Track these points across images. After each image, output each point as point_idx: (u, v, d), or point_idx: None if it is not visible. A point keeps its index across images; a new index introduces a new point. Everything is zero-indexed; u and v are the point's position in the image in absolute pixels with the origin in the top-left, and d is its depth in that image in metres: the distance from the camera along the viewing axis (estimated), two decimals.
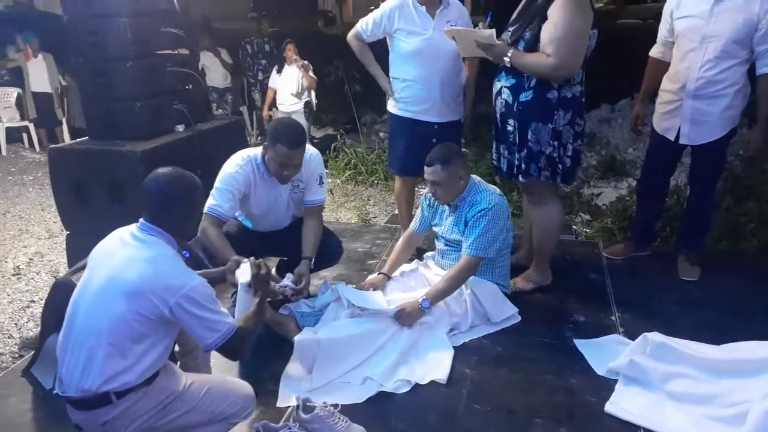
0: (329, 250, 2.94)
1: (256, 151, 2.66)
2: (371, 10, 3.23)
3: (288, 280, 2.56)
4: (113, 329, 1.68)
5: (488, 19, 2.77)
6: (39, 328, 2.85)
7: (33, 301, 3.65)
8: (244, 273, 2.04)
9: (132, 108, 3.20)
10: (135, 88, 3.21)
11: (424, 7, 3.08)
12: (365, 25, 3.20)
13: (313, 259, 2.73)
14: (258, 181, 2.66)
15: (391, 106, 3.31)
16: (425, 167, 2.66)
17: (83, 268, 2.29)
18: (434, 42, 3.04)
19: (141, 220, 1.82)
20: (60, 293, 2.32)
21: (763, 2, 2.67)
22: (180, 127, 3.42)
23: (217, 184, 2.61)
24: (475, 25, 2.95)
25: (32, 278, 3.99)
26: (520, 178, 2.80)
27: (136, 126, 3.22)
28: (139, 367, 1.71)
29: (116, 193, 3.10)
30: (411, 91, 3.16)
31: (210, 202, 2.57)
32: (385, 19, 3.13)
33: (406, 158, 3.26)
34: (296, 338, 2.39)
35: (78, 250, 3.13)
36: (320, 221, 2.83)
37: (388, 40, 3.24)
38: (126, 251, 1.76)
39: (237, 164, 2.63)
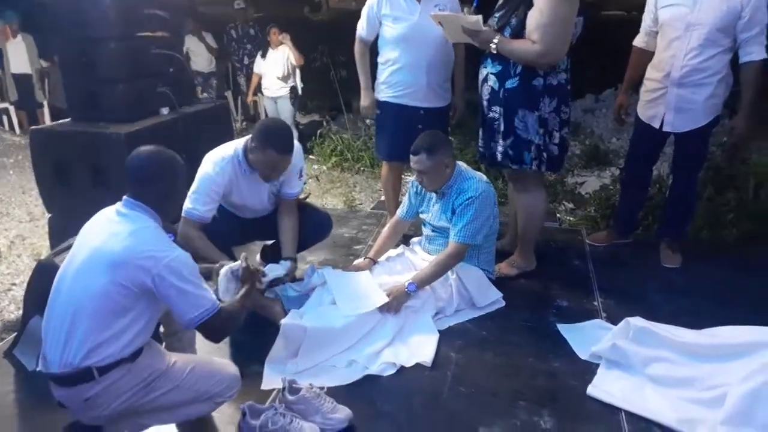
0: (319, 222, 2.96)
1: (237, 147, 2.62)
2: None
3: (282, 268, 2.57)
4: (95, 302, 1.68)
5: (474, 5, 2.76)
6: (20, 311, 2.82)
7: (14, 284, 3.61)
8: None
9: (115, 89, 3.16)
10: (118, 70, 3.17)
11: None
12: (361, 26, 3.22)
13: (304, 238, 2.79)
14: (240, 178, 2.64)
15: (378, 92, 3.30)
16: (411, 156, 2.65)
17: (66, 249, 2.27)
18: (421, 27, 3.03)
19: (125, 197, 1.83)
20: (42, 275, 2.29)
21: None
22: (164, 110, 3.38)
23: (195, 186, 2.56)
24: (462, 11, 2.95)
25: (13, 261, 3.94)
26: (511, 165, 2.80)
27: (119, 108, 3.18)
28: (121, 341, 1.71)
29: (99, 176, 3.07)
30: (397, 75, 3.16)
31: (187, 205, 2.54)
32: (374, 8, 3.14)
33: (392, 144, 3.26)
34: (282, 321, 2.39)
35: (60, 233, 3.10)
36: (296, 216, 2.83)
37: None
38: (110, 227, 1.77)
39: (217, 164, 2.58)
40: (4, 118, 7.58)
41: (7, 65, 7.31)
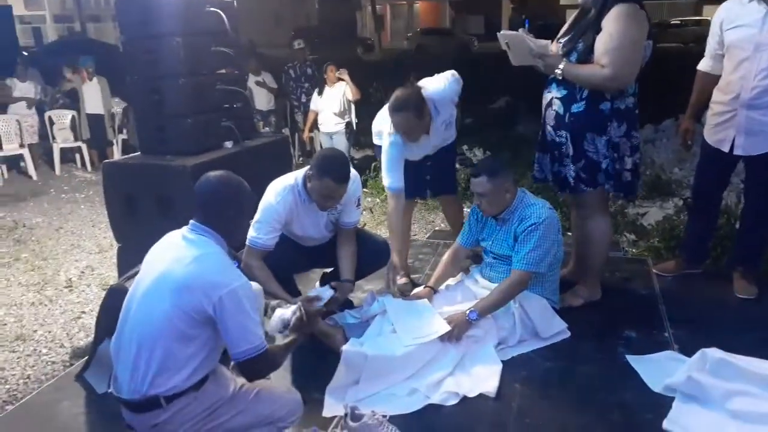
0: (377, 249, 2.97)
1: (298, 177, 2.67)
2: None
3: (328, 289, 2.54)
4: (160, 330, 1.70)
5: (526, 25, 2.74)
6: (89, 338, 2.92)
7: (84, 312, 3.75)
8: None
9: (183, 124, 3.30)
10: (186, 105, 3.31)
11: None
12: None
13: (362, 265, 2.81)
14: (300, 208, 2.69)
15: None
16: (471, 178, 2.65)
17: (135, 275, 2.35)
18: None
19: (191, 221, 1.86)
20: (114, 299, 2.36)
21: None
22: (228, 144, 3.50)
23: (258, 215, 2.62)
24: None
25: (83, 290, 4.10)
26: (581, 188, 2.74)
27: (186, 141, 3.31)
28: (185, 371, 1.72)
29: (166, 207, 3.17)
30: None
31: (251, 234, 2.60)
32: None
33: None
34: (343, 348, 2.38)
35: (128, 263, 3.20)
36: (354, 244, 2.85)
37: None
38: (175, 251, 1.80)
39: (278, 194, 2.64)
40: (77, 156, 8.01)
41: (83, 106, 7.77)
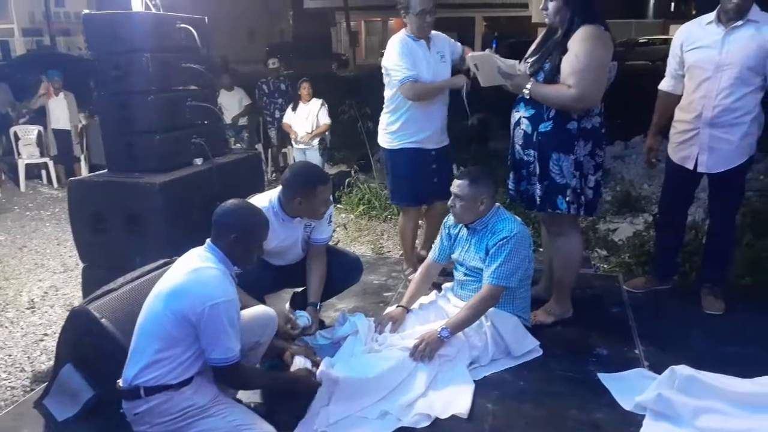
0: (349, 266, 2.97)
1: (272, 197, 2.67)
2: (382, 54, 3.34)
3: (302, 321, 2.62)
4: (152, 326, 1.95)
5: (494, 45, 2.80)
6: (52, 362, 2.82)
7: (46, 335, 3.63)
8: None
9: (152, 140, 3.24)
10: (155, 121, 3.25)
11: (422, 41, 3.21)
12: (407, 69, 3.14)
13: (335, 282, 2.84)
14: (276, 226, 2.66)
15: (387, 143, 3.36)
16: (455, 179, 2.70)
17: (100, 296, 2.31)
18: (434, 73, 3.17)
19: (208, 239, 2.10)
20: (75, 322, 2.30)
21: None
22: (198, 161, 3.44)
23: None
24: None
25: (46, 312, 3.98)
26: (546, 209, 2.77)
27: (155, 158, 3.25)
28: (167, 368, 1.93)
29: (134, 225, 3.11)
30: (415, 122, 3.24)
31: None
32: (408, 54, 3.19)
33: (411, 188, 3.31)
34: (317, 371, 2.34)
35: (94, 282, 3.12)
36: (324, 262, 2.85)
37: (384, 77, 3.31)
38: (186, 261, 2.05)
39: None
40: (43, 173, 7.83)
41: (49, 121, 7.61)
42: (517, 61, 2.66)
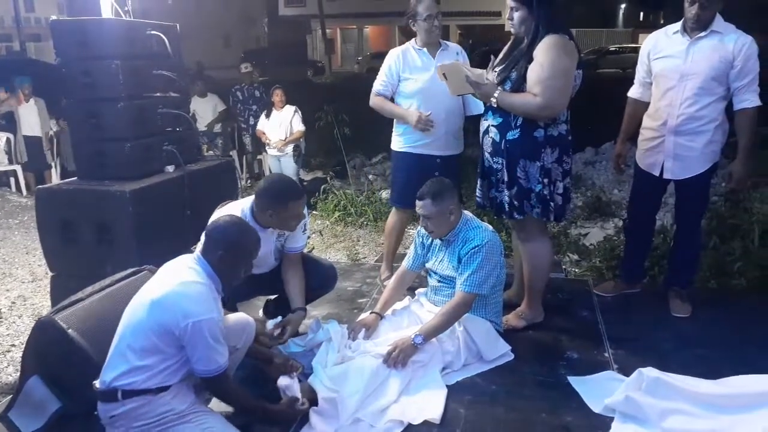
0: (324, 274, 2.97)
1: (244, 208, 2.65)
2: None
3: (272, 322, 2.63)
4: (133, 333, 1.97)
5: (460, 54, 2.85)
6: (19, 373, 2.76)
7: (14, 345, 3.56)
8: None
9: (122, 148, 3.20)
10: (125, 129, 3.21)
11: (425, 49, 3.25)
12: (381, 84, 3.32)
13: (309, 291, 2.81)
14: None
15: (395, 144, 3.40)
16: (416, 201, 2.67)
17: (68, 306, 2.27)
18: (437, 80, 3.12)
19: (198, 252, 2.13)
20: (42, 333, 2.26)
21: (737, 41, 2.78)
22: (170, 168, 3.41)
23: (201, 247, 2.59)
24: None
25: (14, 322, 3.90)
26: (514, 215, 2.81)
27: (125, 166, 3.21)
28: (146, 374, 1.96)
29: (104, 233, 3.07)
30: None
31: None
32: (393, 67, 3.27)
33: (405, 191, 3.30)
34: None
35: (63, 292, 3.06)
36: (301, 270, 2.85)
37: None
38: (174, 270, 2.07)
39: None
40: (12, 180, 7.67)
41: (19, 128, 7.46)
42: (485, 70, 2.69)
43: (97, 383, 2.01)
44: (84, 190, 3.18)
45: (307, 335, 2.67)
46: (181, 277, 2.01)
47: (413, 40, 3.31)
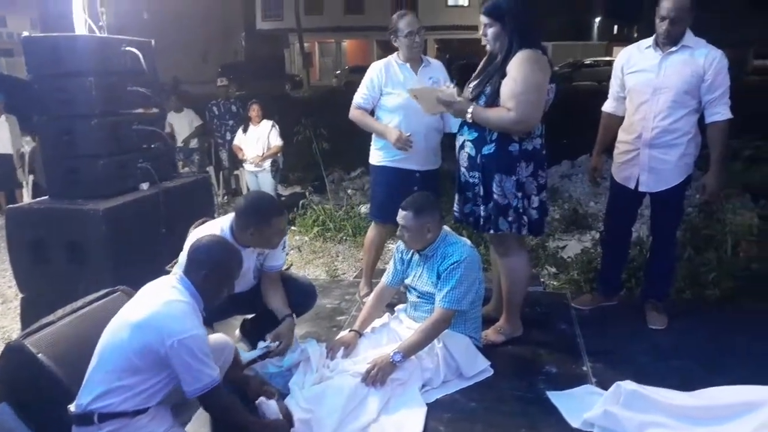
0: (303, 292, 2.93)
1: (223, 226, 2.62)
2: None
3: (263, 344, 2.59)
4: (113, 354, 1.95)
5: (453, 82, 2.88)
6: None
7: None
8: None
9: (95, 165, 3.16)
10: (99, 146, 3.18)
11: (408, 64, 3.26)
12: (362, 97, 3.33)
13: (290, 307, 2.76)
14: None
15: (374, 158, 3.41)
16: (400, 210, 2.69)
17: (38, 330, 2.21)
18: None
19: (180, 271, 2.12)
20: (11, 358, 2.20)
21: (708, 55, 2.85)
22: (144, 185, 3.38)
23: (178, 267, 2.51)
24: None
25: None
26: (490, 230, 2.82)
27: (99, 184, 3.18)
28: (124, 396, 1.93)
29: (76, 253, 3.02)
30: None
31: None
32: (375, 80, 3.28)
33: (384, 205, 3.30)
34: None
35: (34, 314, 2.99)
36: (281, 286, 2.82)
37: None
38: (156, 290, 2.06)
39: None
40: None
41: None
42: (455, 88, 2.72)
43: (72, 407, 1.97)
44: (56, 209, 3.13)
45: (284, 355, 2.64)
46: (164, 297, 2.01)
47: (396, 54, 3.33)
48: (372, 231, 3.58)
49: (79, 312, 2.40)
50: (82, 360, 2.06)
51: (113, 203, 3.07)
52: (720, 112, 2.88)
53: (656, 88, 2.92)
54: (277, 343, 2.59)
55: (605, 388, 2.43)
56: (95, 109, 3.14)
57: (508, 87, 2.60)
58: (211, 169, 7.67)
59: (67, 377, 2.11)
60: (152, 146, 3.50)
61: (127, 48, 3.29)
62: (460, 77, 2.95)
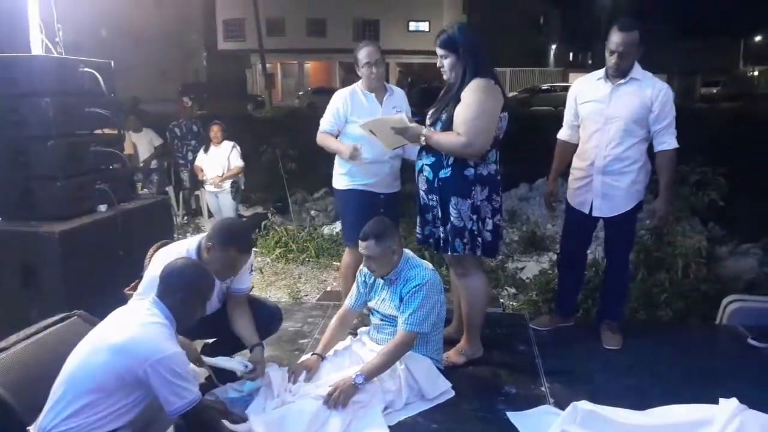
0: (269, 316, 2.91)
1: (190, 248, 2.58)
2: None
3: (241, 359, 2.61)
4: (86, 379, 1.92)
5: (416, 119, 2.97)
6: None
7: None
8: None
9: (51, 187, 3.10)
10: (56, 167, 3.13)
11: (373, 94, 3.33)
12: (328, 123, 3.37)
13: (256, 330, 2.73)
14: None
15: (339, 183, 3.44)
16: (359, 241, 2.70)
17: None
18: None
19: (153, 295, 2.12)
20: None
21: (654, 87, 3.00)
22: (102, 207, 3.32)
23: (145, 286, 2.47)
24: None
25: None
26: (447, 251, 2.88)
27: (54, 205, 3.12)
28: (92, 417, 1.92)
29: (30, 277, 2.94)
30: (363, 168, 3.31)
31: None
32: (341, 109, 3.33)
33: (355, 228, 3.28)
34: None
35: None
36: (248, 310, 2.79)
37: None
38: (130, 314, 2.09)
39: None
40: None
41: None
42: (403, 114, 2.80)
43: (31, 429, 1.94)
44: (9, 231, 3.05)
45: (244, 380, 2.61)
46: (141, 319, 2.02)
47: (360, 81, 3.39)
48: (347, 256, 3.57)
49: (33, 338, 2.33)
50: (37, 387, 2.00)
51: (69, 225, 3.01)
52: (667, 142, 3.02)
53: (608, 117, 3.05)
54: (252, 366, 2.56)
55: (563, 407, 2.48)
56: (52, 131, 3.09)
57: (460, 113, 2.70)
58: (170, 190, 7.58)
59: (19, 405, 2.04)
60: (110, 167, 3.45)
61: (86, 69, 3.26)
62: (421, 101, 3.02)
